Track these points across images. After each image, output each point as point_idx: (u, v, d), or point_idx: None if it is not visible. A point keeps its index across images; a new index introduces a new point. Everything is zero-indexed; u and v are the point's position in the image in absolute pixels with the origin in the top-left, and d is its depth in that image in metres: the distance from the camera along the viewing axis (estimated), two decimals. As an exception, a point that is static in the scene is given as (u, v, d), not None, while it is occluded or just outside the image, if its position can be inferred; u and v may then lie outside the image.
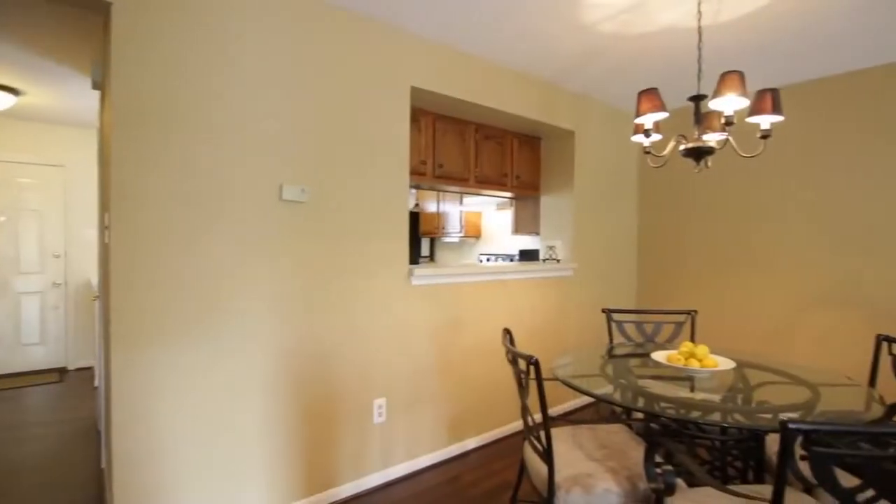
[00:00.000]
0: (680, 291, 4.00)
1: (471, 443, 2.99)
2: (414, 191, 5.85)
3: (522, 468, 1.95)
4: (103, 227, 2.23)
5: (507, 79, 3.12)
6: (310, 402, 2.28)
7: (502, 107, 3.09)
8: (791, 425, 0.99)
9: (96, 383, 3.93)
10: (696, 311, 2.78)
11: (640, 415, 2.24)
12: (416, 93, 2.71)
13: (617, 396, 1.80)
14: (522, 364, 1.69)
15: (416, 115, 2.94)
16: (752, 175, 3.59)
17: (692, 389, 1.86)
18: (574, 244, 3.68)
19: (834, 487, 1.02)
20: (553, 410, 3.55)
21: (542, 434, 1.66)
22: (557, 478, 1.65)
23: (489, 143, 3.42)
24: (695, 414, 1.65)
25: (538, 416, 1.65)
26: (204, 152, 1.95)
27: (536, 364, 1.59)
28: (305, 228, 2.24)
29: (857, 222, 3.11)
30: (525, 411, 1.84)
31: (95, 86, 2.69)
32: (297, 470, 2.24)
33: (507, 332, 2.01)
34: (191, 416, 1.93)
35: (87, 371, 4.75)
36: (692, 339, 2.63)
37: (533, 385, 1.64)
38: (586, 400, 3.79)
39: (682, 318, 2.74)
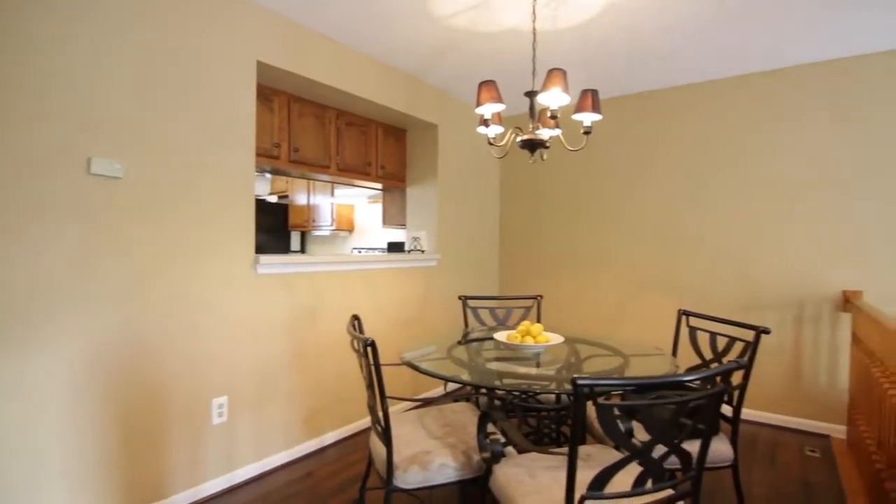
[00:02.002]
0: (536, 280, 4.31)
1: (329, 437, 2.90)
2: (269, 176, 5.54)
3: (371, 456, 1.94)
4: None
5: (369, 67, 3.08)
6: (133, 405, 2.02)
7: (364, 94, 3.05)
8: (579, 381, 1.10)
9: None
10: (541, 296, 3.02)
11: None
12: (265, 69, 2.54)
13: (465, 376, 1.86)
14: (361, 347, 1.67)
15: (269, 94, 2.77)
16: (594, 177, 4.00)
17: (538, 365, 2.00)
18: (438, 235, 3.78)
19: (612, 433, 1.15)
20: (424, 396, 3.60)
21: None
22: (396, 458, 1.66)
23: (352, 130, 3.35)
24: (535, 387, 1.78)
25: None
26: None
27: (373, 345, 1.57)
28: (124, 208, 1.97)
29: (671, 222, 3.65)
30: (372, 399, 1.82)
31: None
32: (116, 482, 1.97)
33: (354, 318, 1.98)
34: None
35: None
36: (539, 322, 2.84)
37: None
38: (452, 386, 3.91)
39: (529, 303, 2.95)
